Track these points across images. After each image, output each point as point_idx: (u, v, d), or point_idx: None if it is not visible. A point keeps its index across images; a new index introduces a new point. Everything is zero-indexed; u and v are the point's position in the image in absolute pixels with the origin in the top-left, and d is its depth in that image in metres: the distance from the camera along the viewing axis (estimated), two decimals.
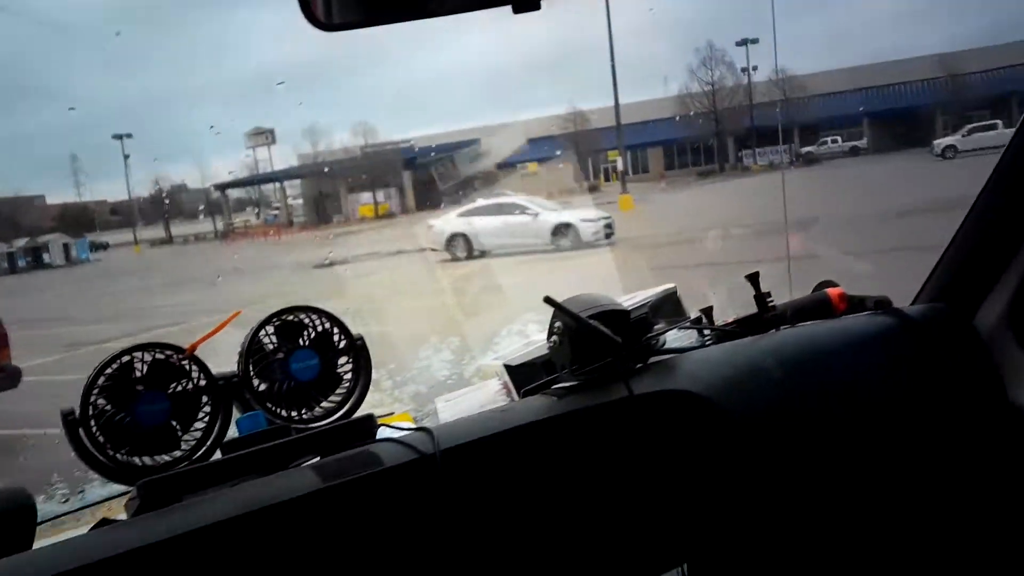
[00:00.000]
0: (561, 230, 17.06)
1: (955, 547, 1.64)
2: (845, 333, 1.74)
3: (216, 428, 1.39)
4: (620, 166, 30.59)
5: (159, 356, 1.36)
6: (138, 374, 1.34)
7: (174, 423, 1.35)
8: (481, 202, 19.06)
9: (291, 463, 1.34)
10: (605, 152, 55.74)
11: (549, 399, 1.50)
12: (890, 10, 65.18)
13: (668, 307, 2.08)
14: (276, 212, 45.97)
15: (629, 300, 1.95)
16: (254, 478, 1.30)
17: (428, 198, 36.99)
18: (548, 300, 1.51)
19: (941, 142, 32.56)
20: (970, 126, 33.73)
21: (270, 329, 1.46)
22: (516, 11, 1.04)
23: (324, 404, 1.49)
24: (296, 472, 1.32)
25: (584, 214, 17.41)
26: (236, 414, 1.41)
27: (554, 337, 1.57)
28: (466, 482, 1.29)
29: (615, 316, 1.54)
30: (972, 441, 1.65)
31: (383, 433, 1.45)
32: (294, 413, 1.44)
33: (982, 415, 1.65)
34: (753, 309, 1.86)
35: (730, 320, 1.88)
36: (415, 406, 2.00)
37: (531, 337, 2.18)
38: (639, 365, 1.60)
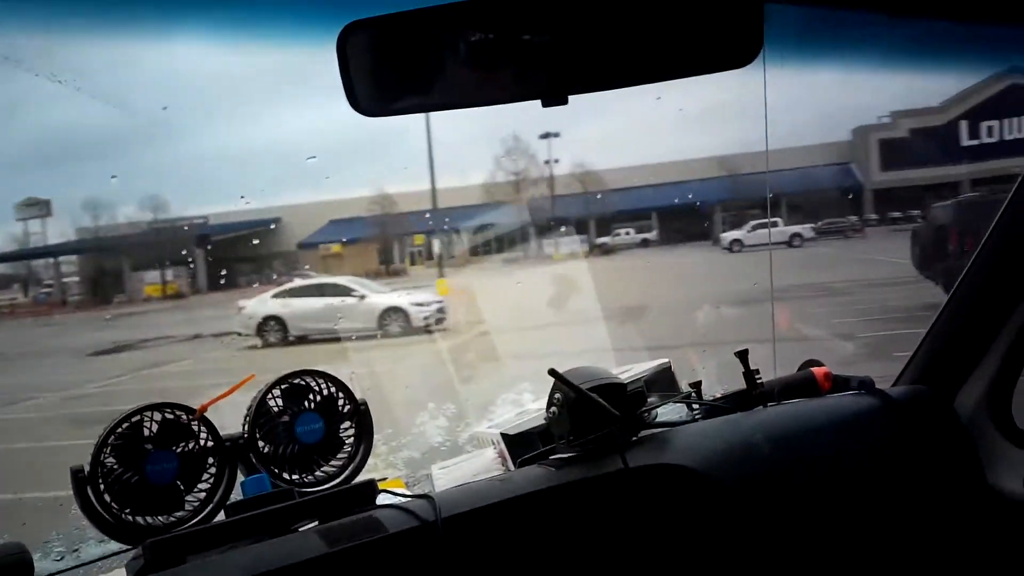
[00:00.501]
0: (390, 314, 16.11)
1: None
2: (830, 411, 1.82)
3: (221, 489, 1.40)
4: (437, 249, 30.14)
5: (169, 416, 1.38)
6: (147, 433, 1.34)
7: (179, 483, 1.35)
8: (299, 282, 17.68)
9: (293, 526, 1.34)
10: (411, 236, 55.67)
11: (547, 470, 1.53)
12: (676, 115, 71.28)
13: (662, 381, 2.09)
14: (49, 290, 41.17)
15: (624, 373, 1.98)
16: (257, 541, 1.28)
17: (223, 278, 34.62)
18: (552, 372, 1.54)
19: (728, 235, 35.16)
20: (754, 222, 36.69)
21: (277, 392, 1.48)
22: (545, 105, 1.17)
23: (326, 468, 1.50)
24: (299, 537, 1.32)
25: (415, 297, 16.64)
26: (240, 476, 1.40)
27: (553, 408, 1.58)
28: (467, 550, 1.30)
29: (613, 389, 1.57)
30: (951, 521, 1.70)
31: (383, 499, 1.44)
32: (296, 476, 1.45)
33: (961, 496, 1.71)
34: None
35: (719, 396, 1.93)
36: (408, 471, 2.03)
37: (525, 406, 2.17)
38: (634, 438, 1.62)
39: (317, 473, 1.50)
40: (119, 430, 1.33)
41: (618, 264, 35.30)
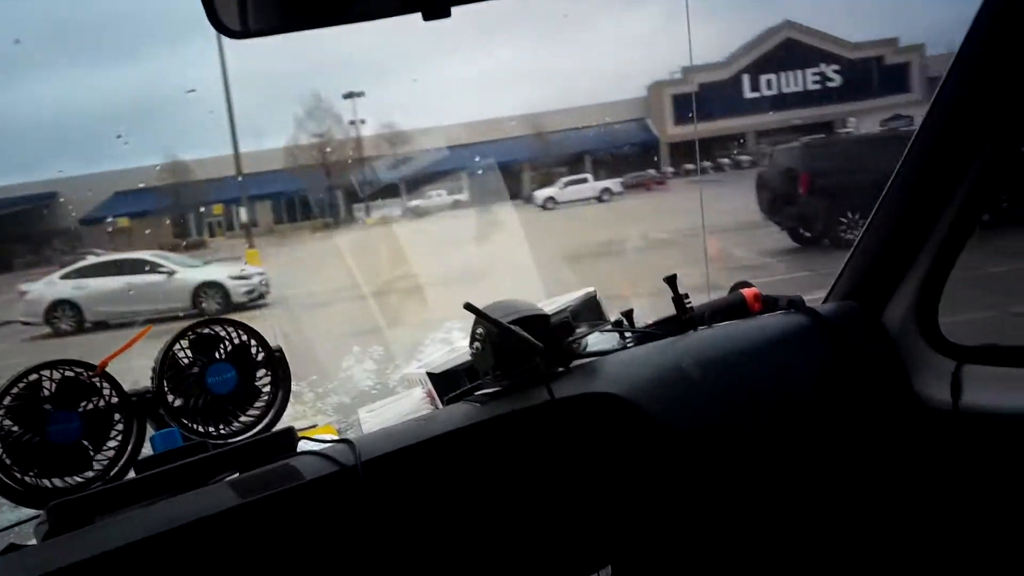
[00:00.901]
0: (206, 290, 14.58)
1: (866, 537, 1.64)
2: (760, 332, 1.78)
3: (130, 446, 1.35)
4: (243, 218, 28.13)
5: (68, 373, 1.32)
6: (46, 393, 1.29)
7: (85, 443, 1.30)
8: (93, 259, 15.59)
9: (210, 480, 1.28)
10: (210, 206, 52.05)
11: (472, 406, 1.49)
12: (482, 75, 71.02)
13: (589, 311, 2.04)
14: None
15: (549, 305, 1.92)
16: (170, 496, 1.24)
17: None
18: (468, 306, 1.47)
19: (542, 193, 35.46)
20: (565, 179, 37.24)
21: (184, 343, 1.41)
22: (426, 18, 1.06)
23: (243, 418, 1.44)
24: (214, 489, 1.27)
25: (233, 270, 15.14)
26: (151, 431, 1.36)
27: (476, 343, 1.55)
28: (388, 493, 1.28)
29: (536, 321, 1.53)
30: (882, 433, 1.71)
31: (304, 446, 1.40)
32: (211, 428, 1.40)
33: (890, 407, 1.72)
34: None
35: (650, 324, 1.89)
36: (339, 417, 1.98)
37: (455, 344, 2.10)
38: (561, 369, 1.58)
39: (234, 424, 1.43)
40: (13, 391, 1.27)
41: (435, 225, 34.77)
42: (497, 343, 1.53)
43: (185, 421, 1.40)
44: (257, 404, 1.48)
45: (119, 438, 1.36)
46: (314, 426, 1.59)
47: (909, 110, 50.42)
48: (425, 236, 28.21)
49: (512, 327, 1.50)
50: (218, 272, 15.21)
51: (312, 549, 1.23)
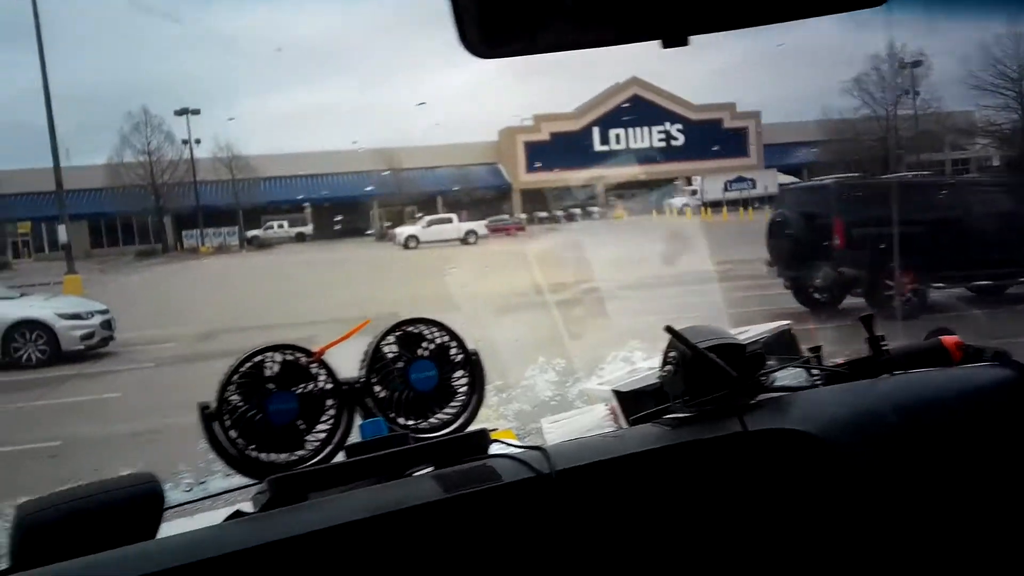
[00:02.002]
0: (20, 334, 11.09)
1: None
2: (963, 383, 1.73)
3: (340, 430, 1.43)
4: (64, 238, 24.36)
5: (289, 357, 1.40)
6: (269, 373, 1.39)
7: (300, 423, 1.39)
8: None
9: (407, 471, 1.37)
10: (14, 222, 46.20)
11: (662, 429, 1.51)
12: (333, 104, 68.37)
13: (781, 345, 2.07)
14: None
15: (743, 334, 1.94)
16: (374, 483, 1.33)
17: None
18: (668, 329, 1.53)
19: (403, 231, 33.77)
20: (428, 218, 35.76)
21: (391, 339, 1.50)
22: (665, 46, 1.12)
23: (439, 415, 1.51)
24: (415, 481, 1.35)
25: (60, 305, 11.90)
26: (357, 419, 1.45)
27: (668, 366, 1.57)
28: (578, 504, 1.31)
29: (731, 350, 1.54)
30: None
31: (495, 449, 1.45)
32: (411, 422, 1.48)
33: None
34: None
35: (841, 361, 1.87)
36: (518, 424, 2.06)
37: (636, 364, 2.19)
38: (752, 401, 1.59)
39: (431, 420, 1.50)
40: (242, 369, 1.37)
41: (283, 260, 32.10)
42: (691, 368, 1.51)
43: (390, 413, 1.46)
44: (453, 404, 1.52)
45: (330, 422, 1.42)
46: (495, 429, 1.53)
47: (747, 173, 53.33)
48: (270, 270, 25.75)
49: (708, 354, 1.48)
50: (39, 307, 11.78)
51: (502, 550, 1.27)
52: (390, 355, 1.50)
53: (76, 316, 11.26)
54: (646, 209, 56.46)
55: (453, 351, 1.54)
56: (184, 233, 47.44)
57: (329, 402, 1.43)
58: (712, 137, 53.52)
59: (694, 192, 49.20)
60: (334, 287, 17.72)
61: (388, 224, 50.22)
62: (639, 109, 53.74)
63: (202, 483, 1.75)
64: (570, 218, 51.94)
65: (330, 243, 43.78)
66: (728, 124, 55.35)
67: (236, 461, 1.35)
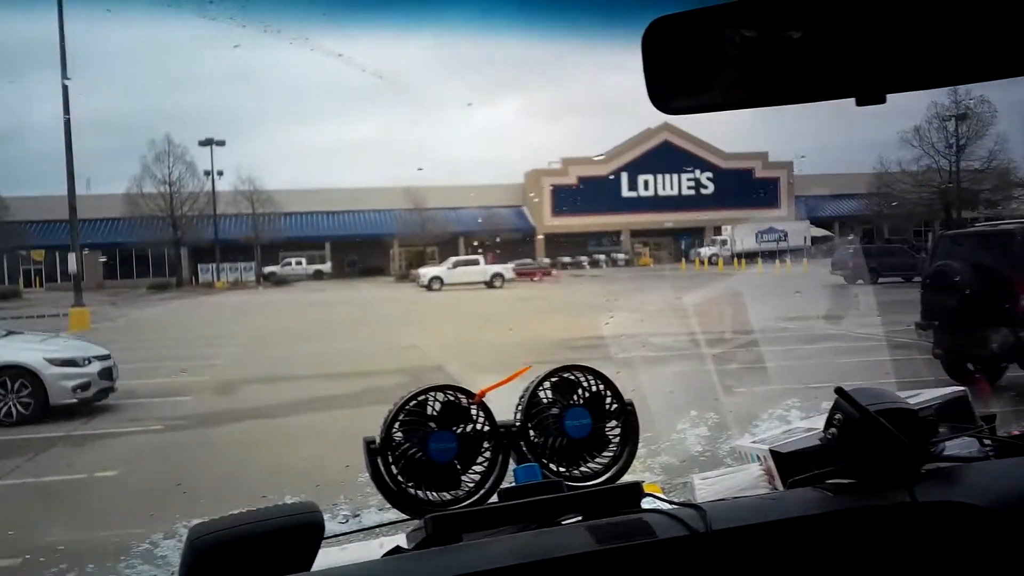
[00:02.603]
0: (3, 380, 9.26)
1: None
2: None
3: (495, 473, 1.44)
4: (73, 267, 23.04)
5: (451, 398, 1.43)
6: (431, 412, 1.42)
7: (457, 463, 1.41)
8: None
9: (558, 518, 1.37)
10: (27, 250, 45.21)
11: (823, 494, 1.46)
12: (357, 142, 67.74)
13: (954, 411, 1.95)
14: None
15: (914, 398, 1.89)
16: (525, 528, 1.34)
17: None
18: (838, 390, 1.51)
19: (427, 271, 32.39)
20: (454, 259, 34.41)
21: (547, 384, 1.51)
22: (859, 103, 1.12)
23: (591, 464, 1.51)
24: (567, 530, 1.34)
25: (53, 348, 10.04)
26: (511, 463, 1.46)
27: (832, 428, 1.51)
28: (735, 566, 1.29)
29: (901, 415, 1.49)
30: None
31: (648, 503, 1.43)
32: (563, 469, 1.48)
33: None
34: None
35: (1017, 432, 1.82)
36: (665, 477, 2.03)
37: (793, 424, 2.13)
38: (921, 470, 1.52)
39: (583, 468, 1.50)
40: (408, 407, 1.42)
41: (302, 299, 30.71)
42: (857, 432, 1.44)
43: (543, 459, 1.47)
44: (605, 453, 1.51)
45: (485, 464, 1.44)
46: (641, 482, 1.50)
47: (779, 224, 51.89)
48: (288, 310, 24.29)
49: (878, 418, 1.43)
50: (27, 349, 9.99)
51: None
52: (545, 401, 1.50)
53: (70, 362, 9.50)
54: (673, 257, 55.16)
55: (608, 400, 1.53)
56: (200, 267, 46.31)
57: (486, 444, 1.45)
58: (743, 186, 52.25)
59: (724, 242, 47.78)
60: (365, 331, 16.28)
61: (404, 264, 49.07)
62: (669, 155, 52.61)
63: (356, 515, 1.80)
64: (594, 264, 50.58)
65: (348, 282, 42.46)
66: (760, 174, 54.09)
67: (395, 496, 1.38)
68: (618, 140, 52.85)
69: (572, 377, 1.52)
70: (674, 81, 1.14)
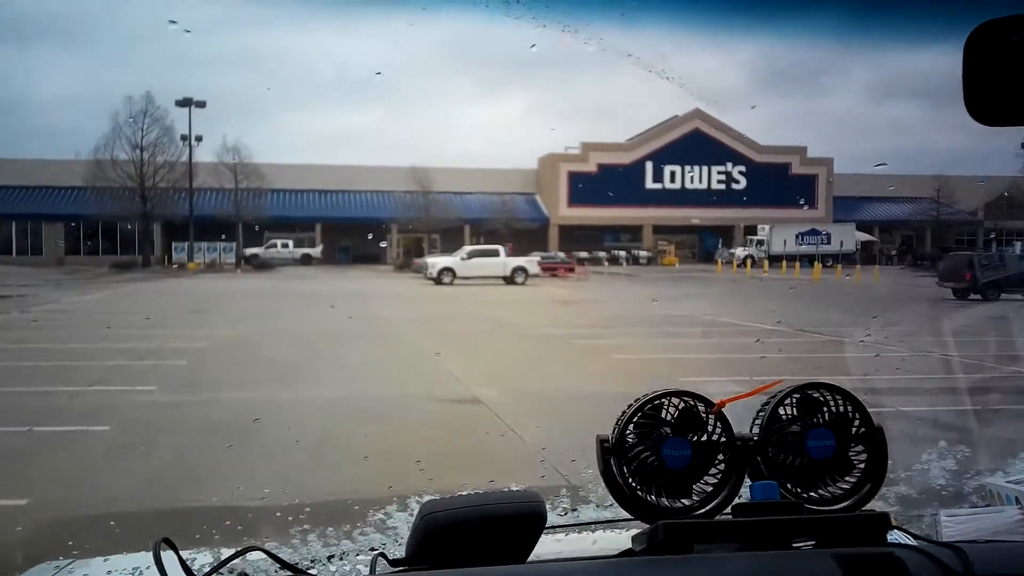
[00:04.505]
0: None
1: None
2: None
3: (729, 486, 1.41)
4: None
5: (688, 404, 1.41)
6: (666, 417, 1.40)
7: (690, 472, 1.39)
8: None
9: (791, 542, 1.31)
10: None
11: None
12: (358, 120, 62.30)
13: None
14: None
15: None
16: (755, 548, 1.29)
17: None
18: None
19: (436, 261, 27.42)
20: (469, 248, 29.43)
21: (790, 401, 1.45)
22: None
23: (832, 488, 1.45)
24: (806, 556, 1.29)
25: None
26: (747, 478, 1.42)
27: None
28: None
29: None
30: None
31: (893, 536, 1.35)
32: (801, 490, 1.42)
33: None
34: None
35: None
36: (900, 508, 1.86)
37: None
38: None
39: (823, 492, 1.43)
40: (644, 410, 1.39)
41: (286, 288, 25.63)
42: None
43: (781, 478, 1.41)
44: (848, 478, 1.43)
45: (718, 476, 1.40)
46: (889, 514, 1.41)
47: (821, 225, 47.23)
48: (281, 305, 18.99)
49: None
50: None
51: None
52: (786, 417, 1.44)
53: None
54: (696, 256, 50.37)
55: (855, 423, 1.45)
56: (175, 245, 41.09)
57: (721, 456, 1.41)
58: (778, 182, 47.60)
59: (760, 242, 43.10)
60: (377, 348, 11.30)
61: (403, 251, 44.02)
62: (699, 145, 47.83)
63: (575, 510, 1.78)
64: (614, 260, 45.71)
65: (341, 269, 37.39)
66: (796, 170, 49.43)
67: (626, 498, 1.36)
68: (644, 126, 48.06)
69: (818, 395, 1.45)
70: (996, 89, 1.06)
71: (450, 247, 37.57)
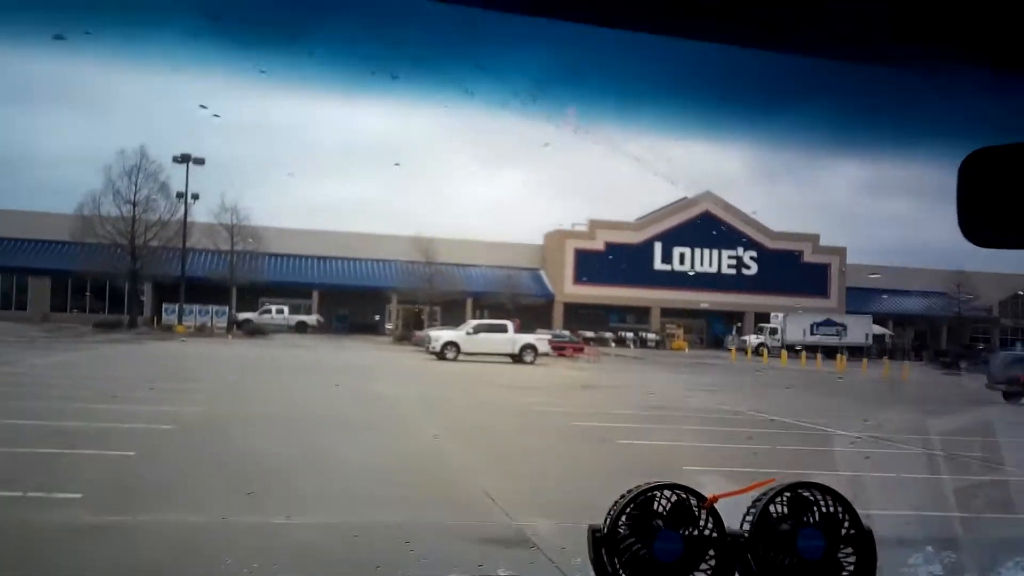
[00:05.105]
0: None
1: None
2: None
3: None
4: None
5: (681, 497, 1.41)
6: (659, 509, 1.40)
7: (680, 566, 1.39)
8: None
9: None
10: None
11: None
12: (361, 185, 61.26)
13: None
14: None
15: None
16: None
17: None
18: None
19: (439, 335, 25.69)
20: (475, 322, 27.73)
21: (780, 499, 1.47)
22: None
23: None
24: None
25: None
26: (736, 574, 1.42)
27: None
28: None
29: None
30: None
31: None
32: None
33: None
34: None
35: None
36: None
37: None
38: None
39: None
40: (637, 501, 1.40)
41: (279, 356, 23.82)
42: None
43: None
44: None
45: (709, 572, 1.39)
46: None
47: (836, 316, 45.75)
48: (272, 377, 17.09)
49: None
50: None
51: None
52: (777, 515, 1.44)
53: None
54: (708, 341, 48.63)
55: (845, 524, 1.45)
56: (165, 307, 39.30)
57: (712, 551, 1.40)
58: (789, 270, 46.34)
59: (773, 331, 41.50)
60: (368, 439, 9.51)
61: (401, 322, 42.21)
62: (710, 228, 46.62)
63: None
64: (620, 341, 43.90)
65: (337, 339, 35.54)
66: (809, 257, 48.25)
67: None
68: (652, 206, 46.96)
69: (808, 495, 1.45)
70: (991, 213, 1.11)
71: (451, 320, 35.90)
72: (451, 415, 11.98)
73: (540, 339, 26.02)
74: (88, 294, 41.22)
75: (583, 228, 47.66)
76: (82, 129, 54.57)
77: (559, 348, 28.41)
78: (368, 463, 7.69)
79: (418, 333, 31.98)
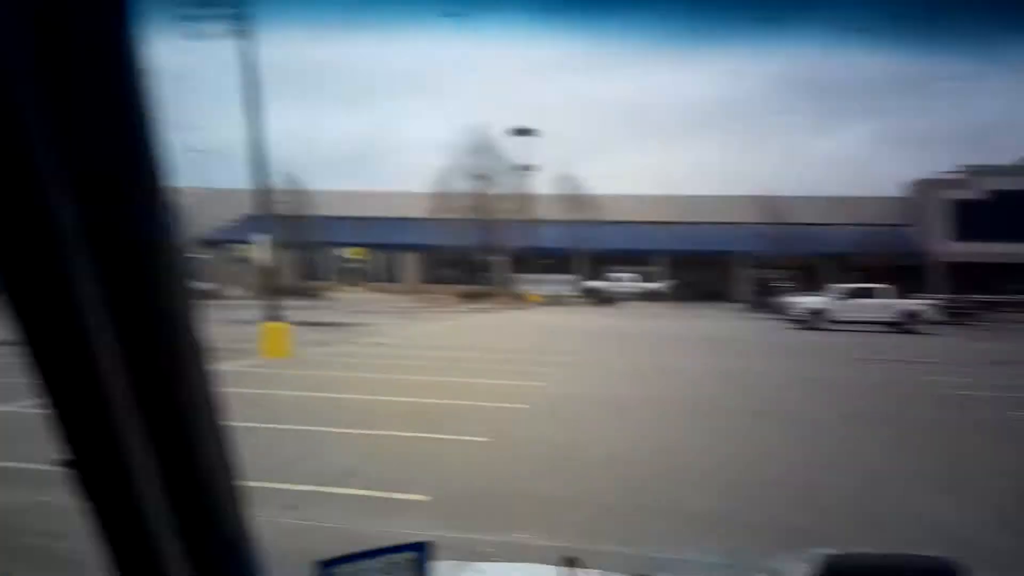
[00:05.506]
0: None
1: None
2: None
3: None
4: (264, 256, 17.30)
5: None
6: None
7: None
8: None
9: None
10: (340, 247, 43.22)
11: None
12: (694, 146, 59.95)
13: None
14: None
15: None
16: None
17: None
18: None
19: (801, 301, 23.28)
20: (843, 286, 24.87)
21: None
22: None
23: None
24: None
25: None
26: None
27: None
28: None
29: None
30: None
31: None
32: None
33: None
34: None
35: None
36: None
37: None
38: None
39: None
40: None
41: (644, 327, 23.13)
42: None
43: None
44: None
45: None
46: None
47: None
48: (638, 344, 16.19)
49: None
50: None
51: None
52: None
53: None
54: None
55: None
56: (517, 277, 41.01)
57: None
58: None
59: None
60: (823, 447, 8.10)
61: (757, 289, 39.81)
62: None
63: None
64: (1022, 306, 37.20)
65: (688, 307, 34.29)
66: None
67: None
68: None
69: None
70: None
71: (805, 286, 33.10)
72: (906, 411, 10.07)
73: (924, 304, 22.49)
74: (450, 267, 44.31)
75: (960, 175, 41.35)
76: (440, 114, 59.57)
77: (963, 313, 24.28)
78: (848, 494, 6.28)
79: (776, 299, 29.63)
